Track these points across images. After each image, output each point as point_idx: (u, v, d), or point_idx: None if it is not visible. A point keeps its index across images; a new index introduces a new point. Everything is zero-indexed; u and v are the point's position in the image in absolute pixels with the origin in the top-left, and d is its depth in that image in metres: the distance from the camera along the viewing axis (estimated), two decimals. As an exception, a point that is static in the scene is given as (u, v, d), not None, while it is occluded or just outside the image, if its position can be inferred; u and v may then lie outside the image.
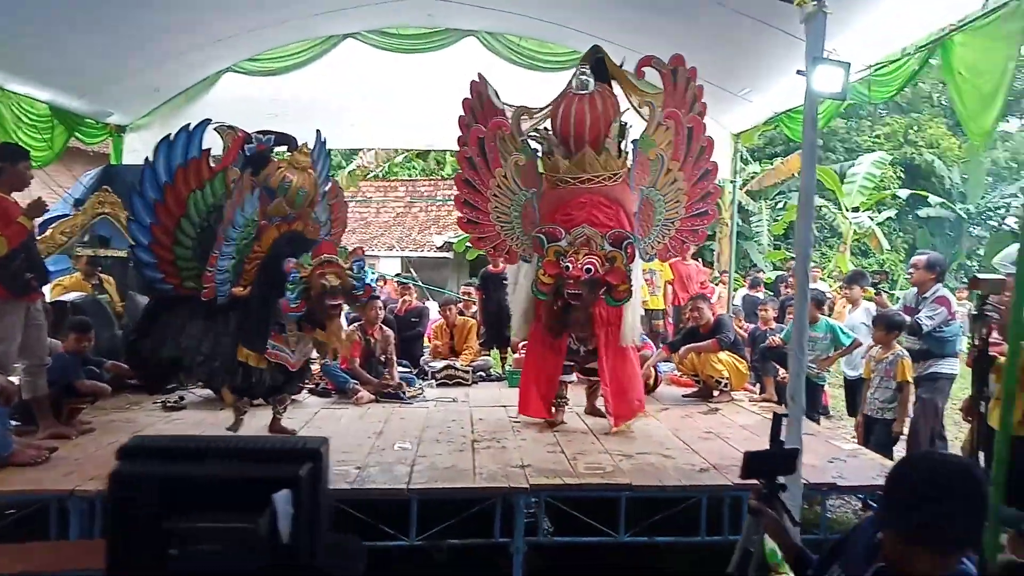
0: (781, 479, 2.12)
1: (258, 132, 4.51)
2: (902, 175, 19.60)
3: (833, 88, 3.13)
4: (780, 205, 18.60)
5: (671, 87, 4.94)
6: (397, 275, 10.80)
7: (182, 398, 5.81)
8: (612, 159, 4.87)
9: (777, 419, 2.12)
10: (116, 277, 6.43)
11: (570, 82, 4.89)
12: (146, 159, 4.11)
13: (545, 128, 5.03)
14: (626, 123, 5.02)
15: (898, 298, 6.45)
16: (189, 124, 4.13)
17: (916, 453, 2.03)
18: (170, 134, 4.14)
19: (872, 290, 6.17)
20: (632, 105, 5.11)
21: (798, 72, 3.24)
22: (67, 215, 6.40)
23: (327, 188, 4.86)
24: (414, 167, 22.18)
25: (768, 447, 2.17)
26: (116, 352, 5.90)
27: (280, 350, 4.34)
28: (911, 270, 5.36)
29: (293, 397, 5.91)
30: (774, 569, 2.68)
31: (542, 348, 5.07)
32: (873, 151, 17.74)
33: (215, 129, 4.61)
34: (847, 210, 15.74)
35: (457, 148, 5.28)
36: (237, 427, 4.68)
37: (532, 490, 3.75)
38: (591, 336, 4.95)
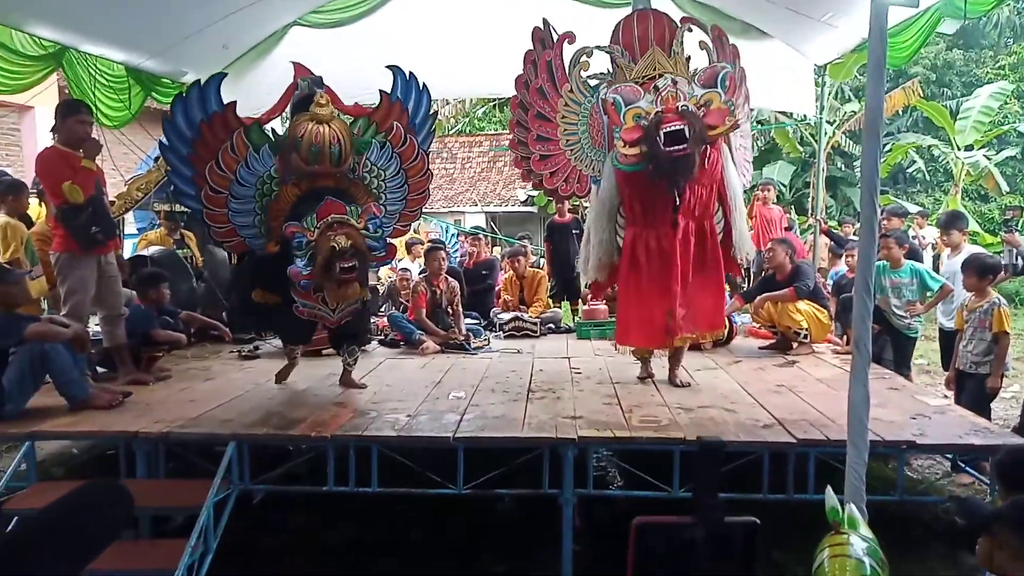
0: None
1: (300, 79, 4.40)
2: (1029, 109, 17.80)
3: (904, -5, 2.74)
4: (887, 147, 17.29)
5: (720, 48, 4.52)
6: (474, 228, 10.75)
7: (257, 347, 6.03)
8: (682, 65, 4.38)
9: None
10: (196, 232, 6.68)
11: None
12: (164, 114, 4.08)
13: (608, 49, 4.57)
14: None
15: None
16: (200, 79, 4.05)
17: None
18: (182, 90, 4.09)
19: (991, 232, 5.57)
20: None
21: (859, -23, 2.84)
22: (147, 174, 6.66)
23: (390, 137, 4.49)
24: (494, 119, 21.96)
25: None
26: (194, 303, 6.18)
27: (313, 307, 4.21)
28: None
29: (363, 348, 6.04)
30: (835, 528, 2.47)
31: (638, 268, 4.44)
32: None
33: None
34: (959, 148, 14.41)
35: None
36: (285, 374, 4.74)
37: (579, 442, 3.63)
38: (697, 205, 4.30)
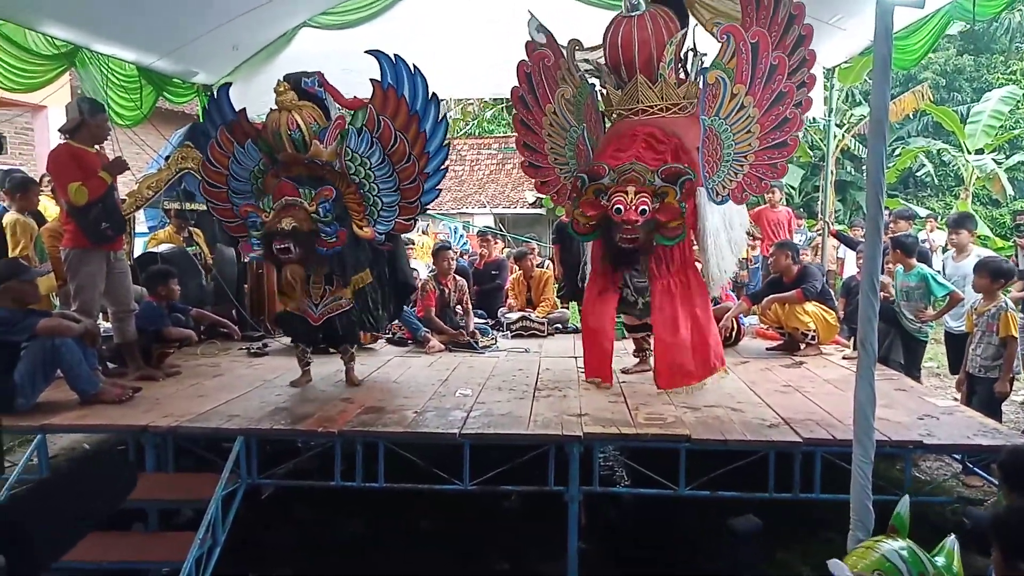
0: None
1: (302, 75, 4.36)
2: (1040, 113, 17.67)
3: (909, -6, 2.74)
4: (896, 151, 17.23)
5: (751, 5, 4.18)
6: (479, 229, 10.77)
7: (266, 345, 6.08)
8: (670, 88, 4.43)
9: None
10: (205, 230, 6.72)
11: (622, 7, 4.51)
12: (206, 111, 4.22)
13: (597, 60, 4.72)
14: (694, 49, 4.62)
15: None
16: (212, 89, 4.18)
17: None
18: (214, 92, 4.20)
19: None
20: (709, 32, 4.59)
21: (865, -24, 2.84)
22: (158, 172, 6.70)
23: (364, 123, 4.29)
24: (503, 121, 22.01)
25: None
26: (204, 300, 6.22)
27: (298, 300, 4.28)
28: None
29: (369, 346, 6.07)
30: (893, 529, 2.35)
31: (597, 301, 4.64)
32: (1006, 89, 15.99)
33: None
34: (969, 152, 14.35)
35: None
36: (299, 382, 4.66)
37: (585, 439, 3.64)
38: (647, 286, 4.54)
